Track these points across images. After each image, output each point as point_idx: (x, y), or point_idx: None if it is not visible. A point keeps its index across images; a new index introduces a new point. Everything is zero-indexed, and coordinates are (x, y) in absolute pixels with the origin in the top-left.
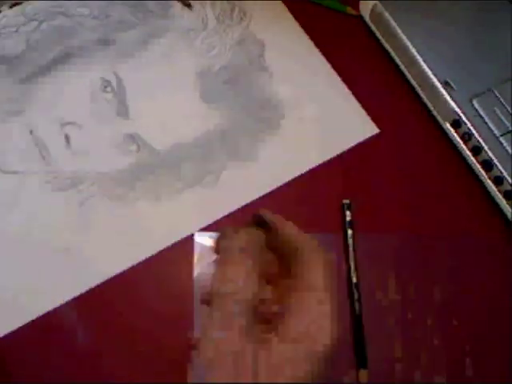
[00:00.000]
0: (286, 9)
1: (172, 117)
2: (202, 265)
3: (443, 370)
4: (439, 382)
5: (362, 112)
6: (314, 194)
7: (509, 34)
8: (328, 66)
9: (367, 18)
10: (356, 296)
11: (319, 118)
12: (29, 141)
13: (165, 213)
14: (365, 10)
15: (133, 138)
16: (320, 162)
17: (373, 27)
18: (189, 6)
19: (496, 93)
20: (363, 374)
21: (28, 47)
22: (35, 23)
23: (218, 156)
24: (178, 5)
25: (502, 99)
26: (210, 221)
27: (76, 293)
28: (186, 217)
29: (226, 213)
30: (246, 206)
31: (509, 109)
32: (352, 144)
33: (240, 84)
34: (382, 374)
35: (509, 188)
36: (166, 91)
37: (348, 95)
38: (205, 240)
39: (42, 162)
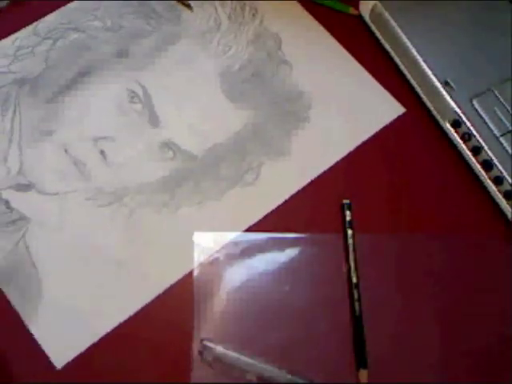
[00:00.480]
0: (296, 1)
1: (202, 120)
2: (202, 264)
3: (444, 369)
4: (439, 382)
5: (386, 93)
6: (315, 195)
7: (509, 34)
8: (344, 51)
9: (367, 18)
10: (356, 296)
11: (345, 104)
12: (65, 160)
13: (209, 216)
14: (365, 10)
15: (168, 145)
16: (352, 148)
17: (373, 27)
18: (189, 6)
19: (496, 93)
20: (363, 374)
21: (47, 67)
22: (50, 41)
23: (253, 153)
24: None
25: (501, 99)
26: (255, 220)
27: (135, 308)
28: (230, 218)
29: (268, 210)
30: (285, 201)
31: (509, 109)
32: (381, 126)
33: (262, 80)
34: (382, 374)
35: (509, 188)
36: (191, 95)
37: (369, 78)
38: (204, 240)
39: (82, 179)
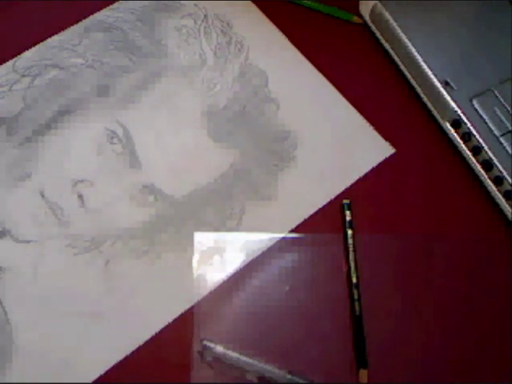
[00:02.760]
0: (283, 35)
1: (185, 162)
2: (203, 265)
3: (444, 369)
4: (440, 382)
5: (376, 134)
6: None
7: (509, 34)
8: (334, 89)
9: (367, 18)
10: (356, 296)
11: (333, 144)
12: (41, 205)
13: (190, 264)
14: (365, 10)
15: (148, 189)
16: (340, 190)
17: (373, 27)
18: None
19: (496, 93)
20: (363, 374)
21: (25, 106)
22: (28, 79)
23: (236, 198)
24: (174, 43)
25: (501, 99)
26: (240, 265)
27: (113, 361)
28: None
29: (252, 257)
30: (272, 246)
31: (509, 109)
32: (370, 167)
33: (247, 119)
34: (382, 374)
35: (509, 188)
36: (173, 135)
37: (358, 117)
38: (205, 239)
39: (59, 225)
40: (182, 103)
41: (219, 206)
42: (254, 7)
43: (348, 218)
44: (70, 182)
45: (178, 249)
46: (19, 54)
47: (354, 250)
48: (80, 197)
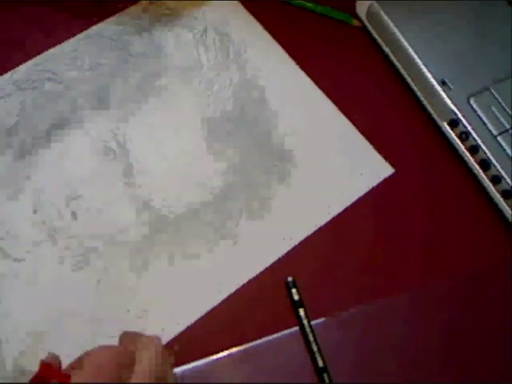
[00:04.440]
0: (282, 48)
1: (180, 177)
2: None
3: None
4: (441, 382)
5: (376, 154)
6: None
7: (505, 32)
8: (332, 105)
9: (363, 18)
10: (327, 381)
11: (331, 163)
12: (35, 221)
13: (184, 279)
14: (361, 9)
15: (144, 204)
16: (338, 212)
17: (369, 27)
18: None
19: (493, 92)
20: None
21: (21, 119)
22: (24, 92)
23: (232, 215)
24: (171, 45)
25: (498, 98)
26: (234, 287)
27: None
28: (205, 282)
29: (248, 277)
30: (266, 269)
31: (506, 108)
32: (369, 187)
33: (245, 132)
34: None
35: (506, 187)
36: (169, 149)
37: (357, 135)
38: None
39: (52, 241)
40: (178, 116)
41: (214, 224)
42: (251, 18)
43: (296, 297)
44: (63, 198)
45: (170, 265)
46: (17, 66)
47: (312, 330)
48: (73, 213)
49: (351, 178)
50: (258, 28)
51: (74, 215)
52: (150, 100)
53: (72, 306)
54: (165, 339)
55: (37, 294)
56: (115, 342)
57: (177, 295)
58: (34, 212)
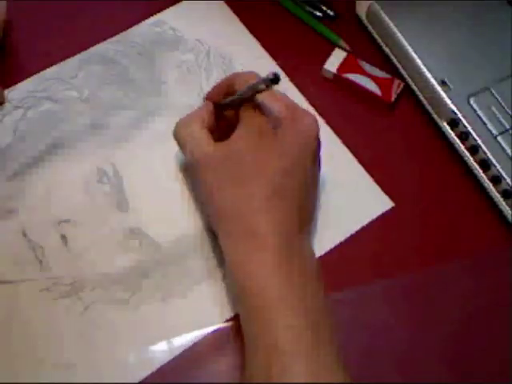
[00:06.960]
0: (283, 71)
1: (173, 206)
2: None
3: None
4: (441, 382)
5: (375, 186)
6: None
7: (506, 32)
8: (330, 130)
9: (363, 18)
10: None
11: (331, 195)
12: (22, 244)
13: (173, 315)
14: (361, 9)
15: (134, 233)
16: (334, 244)
17: (369, 27)
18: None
19: (493, 91)
20: None
21: (15, 138)
22: (21, 111)
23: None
24: (172, 82)
25: (499, 98)
26: (222, 320)
27: None
28: (196, 317)
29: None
30: None
31: (506, 107)
32: (368, 220)
33: None
34: None
35: (507, 187)
36: (165, 178)
37: (357, 166)
38: None
39: (39, 267)
40: (175, 145)
41: (205, 255)
42: (254, 41)
43: None
44: (54, 221)
45: (158, 298)
46: (14, 84)
47: None
48: (63, 237)
49: (350, 210)
50: (261, 51)
51: (63, 238)
52: (146, 128)
53: (49, 341)
54: None
55: (13, 325)
56: None
57: None
58: (24, 234)
